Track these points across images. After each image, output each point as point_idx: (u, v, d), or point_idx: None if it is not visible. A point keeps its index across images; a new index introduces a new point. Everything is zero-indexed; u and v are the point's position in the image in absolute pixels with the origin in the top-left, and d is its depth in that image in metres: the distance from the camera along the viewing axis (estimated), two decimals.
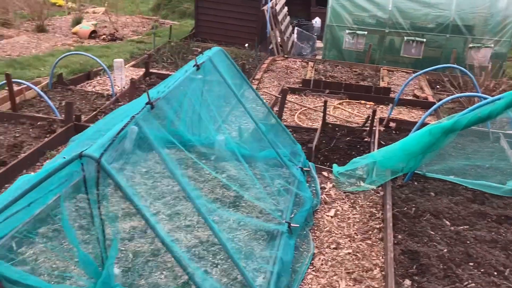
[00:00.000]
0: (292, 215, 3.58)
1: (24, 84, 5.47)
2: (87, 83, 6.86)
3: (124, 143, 2.49)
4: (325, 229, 3.60)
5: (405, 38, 8.72)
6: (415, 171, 4.20)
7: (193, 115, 4.18)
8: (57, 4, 12.99)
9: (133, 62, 8.04)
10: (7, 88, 5.43)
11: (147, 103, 2.75)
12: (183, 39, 9.70)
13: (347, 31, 8.92)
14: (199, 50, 9.14)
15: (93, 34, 10.01)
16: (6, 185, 3.77)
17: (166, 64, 8.18)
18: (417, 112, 6.55)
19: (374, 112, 5.19)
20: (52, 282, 2.73)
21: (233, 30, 9.63)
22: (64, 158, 2.26)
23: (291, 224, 3.35)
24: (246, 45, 8.61)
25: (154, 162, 4.31)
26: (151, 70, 7.35)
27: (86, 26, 10.22)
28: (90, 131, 3.12)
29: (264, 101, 4.68)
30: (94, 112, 5.45)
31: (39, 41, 9.25)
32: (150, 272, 2.91)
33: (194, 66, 3.63)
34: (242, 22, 9.51)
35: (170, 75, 7.18)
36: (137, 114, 2.61)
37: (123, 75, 6.35)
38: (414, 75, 6.23)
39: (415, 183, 4.19)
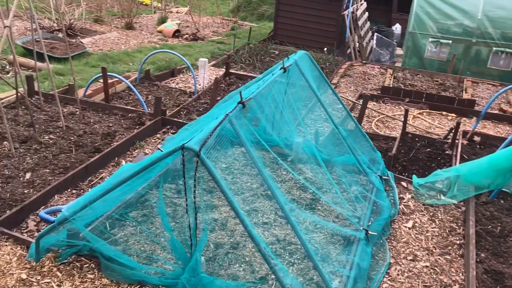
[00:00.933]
0: (370, 223, 3.57)
1: (116, 77, 5.86)
2: (171, 80, 7.20)
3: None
4: (402, 240, 3.54)
5: (494, 48, 8.28)
6: (502, 189, 4.01)
7: (274, 116, 4.29)
8: (144, 3, 13.72)
9: (213, 62, 8.32)
10: (101, 80, 5.87)
11: (239, 102, 2.88)
12: (261, 41, 9.88)
13: (430, 39, 8.64)
14: (277, 52, 9.28)
15: (176, 33, 10.46)
16: (101, 170, 4.08)
17: (244, 65, 8.38)
18: (503, 127, 6.22)
19: (458, 124, 5.00)
20: (140, 263, 2.93)
21: (312, 33, 9.66)
22: (161, 150, 2.44)
23: (369, 232, 3.35)
24: (325, 49, 8.60)
25: (233, 159, 4.47)
26: (230, 71, 7.58)
27: (170, 25, 10.70)
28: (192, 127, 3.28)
29: (343, 105, 4.68)
30: (177, 108, 5.71)
31: (127, 38, 9.83)
32: (230, 263, 3.04)
33: (281, 69, 3.73)
34: (321, 26, 9.52)
35: (248, 76, 7.46)
36: (230, 112, 2.74)
37: (206, 74, 6.61)
38: (505, 88, 5.92)
39: (501, 201, 4.00)
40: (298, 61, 3.96)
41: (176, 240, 2.63)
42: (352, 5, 9.23)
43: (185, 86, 6.95)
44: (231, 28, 11.58)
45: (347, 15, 9.12)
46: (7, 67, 6.82)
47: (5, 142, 4.22)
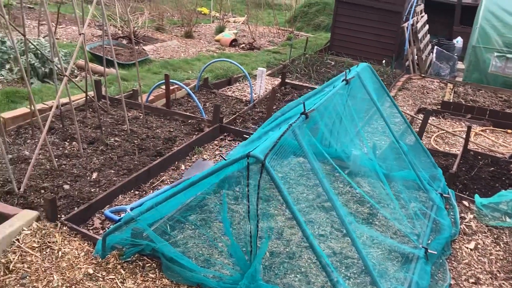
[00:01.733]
0: (429, 241, 3.47)
1: (177, 84, 6.06)
2: (228, 88, 7.34)
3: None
4: (464, 261, 3.42)
5: None
6: None
7: (333, 128, 4.27)
8: (202, 13, 14.11)
9: (269, 71, 8.40)
10: (163, 87, 6.08)
11: (302, 113, 2.91)
12: (317, 52, 9.88)
13: (495, 54, 8.30)
14: (333, 63, 9.25)
15: (233, 43, 10.67)
16: (161, 173, 4.22)
17: (300, 75, 8.41)
18: None
19: None
20: (199, 266, 3.00)
21: (369, 45, 9.55)
22: (225, 159, 2.50)
23: (428, 250, 3.26)
24: (383, 61, 8.48)
25: (289, 168, 4.49)
26: (286, 80, 7.62)
27: (228, 35, 10.93)
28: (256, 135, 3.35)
29: (404, 119, 4.59)
30: (233, 116, 5.82)
31: (187, 46, 10.14)
32: (285, 273, 3.04)
33: (343, 80, 3.73)
34: (379, 38, 9.39)
35: (304, 86, 7.47)
36: (293, 122, 2.78)
37: (262, 83, 6.69)
38: None
39: None
40: (360, 73, 3.94)
41: (236, 245, 2.68)
42: (412, 17, 9.05)
43: (241, 95, 7.06)
44: (287, 38, 11.66)
45: (407, 27, 8.95)
46: (75, 71, 7.21)
47: (74, 143, 4.47)
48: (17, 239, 3.05)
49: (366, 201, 3.99)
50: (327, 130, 4.27)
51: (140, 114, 5.34)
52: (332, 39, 10.03)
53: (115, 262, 2.94)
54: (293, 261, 3.16)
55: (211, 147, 4.89)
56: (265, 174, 2.35)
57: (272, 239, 3.36)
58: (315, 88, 7.25)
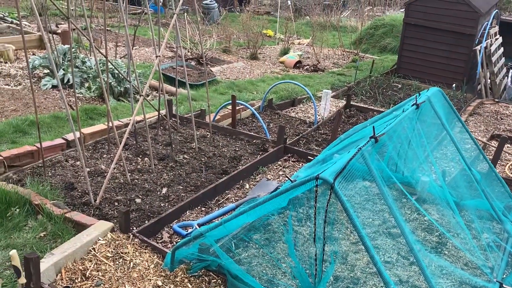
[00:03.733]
0: (504, 275, 3.28)
1: (243, 105, 6.22)
2: (291, 109, 7.41)
3: None
4: None
5: None
6: None
7: (401, 152, 4.19)
8: (267, 35, 14.39)
9: (333, 93, 8.38)
10: (229, 107, 6.26)
11: (371, 137, 2.89)
12: (383, 74, 9.74)
13: None
14: (399, 86, 9.06)
15: (298, 64, 10.78)
16: (227, 191, 4.33)
17: (365, 97, 8.31)
18: None
19: None
20: (263, 286, 3.02)
21: (439, 68, 9.27)
22: (291, 180, 2.54)
23: (503, 285, 3.07)
24: (454, 85, 8.19)
25: (354, 192, 4.43)
26: (351, 102, 7.57)
27: (292, 56, 11.07)
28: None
29: (477, 145, 4.41)
30: (297, 137, 5.85)
31: (252, 68, 10.38)
32: None
33: (413, 105, 3.66)
34: (449, 61, 9.10)
35: (369, 109, 7.38)
36: (363, 146, 2.76)
37: (327, 105, 6.69)
38: None
39: None
40: (431, 98, 3.85)
41: (301, 267, 2.69)
42: (485, 40, 8.70)
43: (305, 116, 7.09)
44: (352, 60, 11.60)
45: (479, 50, 8.61)
46: (148, 90, 7.61)
47: (146, 159, 4.70)
48: (93, 248, 3.24)
49: (435, 229, 3.85)
50: (395, 154, 4.19)
51: (207, 133, 5.52)
52: (399, 62, 9.84)
53: (182, 275, 3.04)
54: (357, 287, 3.10)
55: (275, 167, 4.95)
56: (333, 197, 2.35)
57: (336, 263, 3.33)
58: (381, 111, 7.16)
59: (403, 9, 11.86)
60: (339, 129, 5.86)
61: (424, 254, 3.37)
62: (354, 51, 12.45)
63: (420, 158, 4.12)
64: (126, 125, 5.24)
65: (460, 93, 8.43)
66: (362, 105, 7.62)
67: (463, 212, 4.01)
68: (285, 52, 11.78)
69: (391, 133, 3.16)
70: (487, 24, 9.13)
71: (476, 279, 3.19)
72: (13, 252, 2.60)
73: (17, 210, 3.63)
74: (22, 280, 2.66)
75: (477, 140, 6.25)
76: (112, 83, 6.88)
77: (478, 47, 8.69)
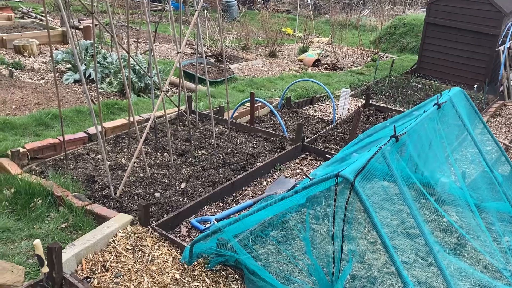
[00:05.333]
0: None
1: (261, 102, 6.23)
2: (309, 107, 7.39)
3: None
4: None
5: None
6: None
7: (421, 153, 4.15)
8: (286, 33, 14.37)
9: (352, 92, 8.33)
10: (247, 104, 6.28)
11: (392, 136, 2.88)
12: (403, 74, 9.65)
13: None
14: (419, 86, 8.97)
15: (316, 63, 10.74)
16: (244, 187, 4.35)
17: (384, 97, 8.25)
18: None
19: None
20: (279, 282, 3.04)
21: (460, 69, 9.15)
22: (309, 178, 2.54)
23: None
24: (475, 86, 8.07)
25: (373, 192, 4.40)
26: (370, 102, 7.52)
27: (311, 55, 11.03)
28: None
29: (499, 147, 4.34)
30: (315, 135, 5.84)
31: (270, 65, 10.38)
32: None
33: (434, 105, 3.63)
34: (471, 61, 8.97)
35: (388, 108, 7.32)
36: (383, 145, 2.75)
37: (346, 104, 6.66)
38: None
39: None
40: (453, 98, 3.81)
41: (318, 265, 2.69)
42: (509, 40, 8.55)
43: (323, 114, 7.07)
44: (371, 59, 11.51)
45: (503, 50, 8.46)
46: (167, 86, 7.67)
47: (166, 154, 4.75)
48: (113, 240, 3.30)
49: (454, 231, 3.81)
50: (416, 154, 4.16)
51: (226, 129, 5.55)
52: (420, 61, 9.73)
53: (200, 269, 3.08)
54: (374, 286, 3.09)
55: (292, 165, 4.96)
56: (353, 195, 2.35)
57: (353, 262, 3.32)
58: (401, 110, 7.10)
59: (424, 9, 11.73)
60: (357, 128, 5.83)
61: (443, 256, 3.34)
62: (374, 50, 12.36)
63: (440, 159, 4.08)
64: (146, 120, 5.30)
65: (481, 94, 8.30)
66: (381, 105, 7.57)
67: (484, 214, 3.95)
68: (304, 50, 11.75)
69: (411, 132, 3.14)
70: (511, 24, 8.97)
71: (496, 282, 3.15)
72: (37, 242, 2.66)
73: (40, 201, 3.71)
74: (45, 269, 2.73)
75: (499, 142, 6.15)
76: (133, 78, 6.96)
77: (501, 48, 8.54)
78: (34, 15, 11.92)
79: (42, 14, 11.99)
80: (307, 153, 5.25)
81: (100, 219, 3.53)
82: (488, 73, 8.87)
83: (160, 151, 4.84)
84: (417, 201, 4.15)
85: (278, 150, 5.16)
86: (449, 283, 2.56)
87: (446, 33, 9.08)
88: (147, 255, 3.20)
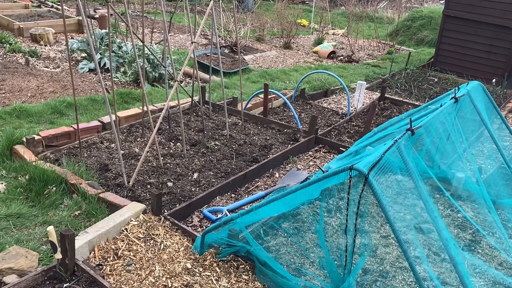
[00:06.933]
0: None
1: (275, 94, 6.19)
2: (324, 100, 7.33)
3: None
4: None
5: None
6: None
7: (437, 147, 4.09)
8: (301, 24, 14.25)
9: (367, 85, 8.24)
10: (261, 95, 6.25)
11: (408, 129, 2.83)
12: (419, 67, 9.51)
13: None
14: (436, 80, 8.83)
15: (331, 55, 10.64)
16: (256, 179, 4.34)
17: (400, 90, 8.14)
18: None
19: None
20: (290, 274, 3.03)
21: (478, 62, 8.98)
22: (323, 171, 2.51)
23: None
24: (494, 80, 7.92)
25: (385, 186, 4.36)
26: (385, 95, 7.43)
27: (326, 47, 10.93)
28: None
29: None
30: (329, 128, 5.79)
31: (285, 57, 10.31)
32: None
33: (452, 98, 3.56)
34: (489, 55, 8.79)
35: (404, 102, 7.23)
36: (399, 138, 2.71)
37: (361, 96, 6.59)
38: None
39: None
40: (471, 92, 3.73)
41: (330, 258, 2.67)
42: None
43: (337, 107, 7.01)
44: (387, 52, 11.37)
45: None
46: (181, 77, 7.67)
47: (179, 144, 4.76)
48: (126, 229, 3.31)
49: (468, 227, 3.76)
50: (432, 148, 4.10)
51: (239, 120, 5.54)
52: (437, 55, 9.57)
53: (211, 260, 3.08)
54: (386, 281, 3.06)
55: (305, 157, 4.92)
56: (367, 188, 2.32)
57: (365, 256, 3.30)
58: (416, 104, 7.01)
59: (443, 1, 11.51)
60: (372, 122, 5.76)
61: (457, 251, 3.30)
62: (390, 43, 12.19)
63: (457, 154, 4.02)
64: (160, 110, 5.31)
65: (500, 88, 8.15)
66: (396, 98, 7.47)
67: (500, 210, 3.89)
68: (319, 42, 11.65)
69: (428, 126, 3.09)
70: None
71: (511, 279, 3.10)
72: (50, 228, 2.69)
73: (54, 188, 3.74)
74: (58, 255, 2.75)
75: None
76: (147, 68, 6.97)
77: None
78: (50, 4, 12.00)
79: (58, 3, 12.06)
80: (320, 145, 5.21)
81: (113, 208, 3.55)
82: (507, 67, 8.69)
83: (173, 141, 4.85)
84: (431, 195, 4.10)
85: (291, 142, 5.13)
86: (462, 277, 2.52)
87: (464, 26, 8.91)
88: (159, 244, 3.21)
